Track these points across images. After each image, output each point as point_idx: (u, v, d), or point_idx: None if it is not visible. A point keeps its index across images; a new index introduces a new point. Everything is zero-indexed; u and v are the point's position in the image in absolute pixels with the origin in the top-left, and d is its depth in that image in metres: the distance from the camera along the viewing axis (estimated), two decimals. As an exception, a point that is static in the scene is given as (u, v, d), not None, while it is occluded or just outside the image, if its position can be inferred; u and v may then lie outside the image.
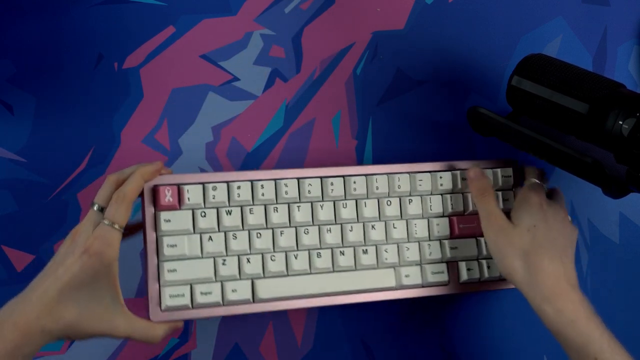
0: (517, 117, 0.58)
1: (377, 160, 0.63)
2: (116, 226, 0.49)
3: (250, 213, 0.55)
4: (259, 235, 0.55)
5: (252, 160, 0.61)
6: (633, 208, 0.66)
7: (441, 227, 0.58)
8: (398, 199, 0.58)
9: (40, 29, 0.60)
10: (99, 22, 0.60)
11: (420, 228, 0.58)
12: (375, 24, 0.64)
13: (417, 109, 0.64)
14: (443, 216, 0.59)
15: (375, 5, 0.65)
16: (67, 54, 0.60)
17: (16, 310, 0.47)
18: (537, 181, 0.57)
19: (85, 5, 0.60)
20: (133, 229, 0.55)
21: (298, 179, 0.56)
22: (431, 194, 0.59)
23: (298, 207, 0.56)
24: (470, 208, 0.59)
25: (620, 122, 0.50)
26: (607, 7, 0.68)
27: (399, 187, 0.58)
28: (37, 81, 0.59)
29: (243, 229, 0.55)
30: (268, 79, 0.62)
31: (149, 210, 0.53)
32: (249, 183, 0.55)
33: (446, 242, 0.58)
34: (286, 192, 0.56)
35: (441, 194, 0.59)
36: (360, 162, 0.63)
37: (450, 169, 0.59)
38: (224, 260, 0.54)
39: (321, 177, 0.57)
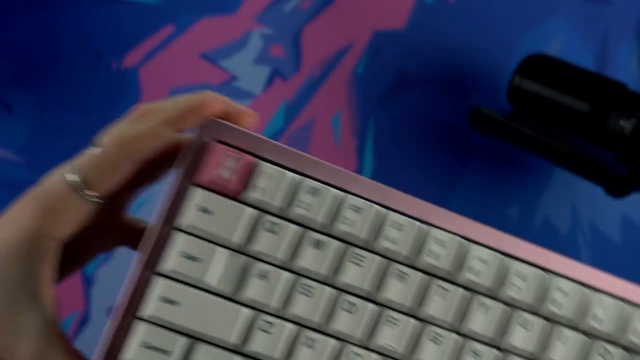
0: (518, 117, 0.57)
1: (377, 161, 0.62)
2: (87, 192, 0.28)
3: (354, 262, 0.29)
4: (352, 308, 0.29)
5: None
6: (635, 208, 0.66)
7: None
8: None
9: (39, 28, 0.60)
10: (98, 21, 0.60)
11: None
12: (375, 23, 0.64)
13: (417, 108, 0.64)
14: None
15: (376, 5, 0.64)
16: (66, 54, 0.60)
17: None
18: None
19: (84, 4, 0.60)
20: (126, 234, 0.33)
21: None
22: None
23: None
24: None
25: (622, 122, 0.50)
26: (609, 6, 0.68)
27: None
28: (36, 81, 0.59)
29: (330, 285, 0.30)
30: (268, 79, 0.62)
31: (179, 180, 0.29)
32: (374, 208, 0.30)
33: None
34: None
35: None
36: (360, 162, 0.62)
37: None
38: (270, 323, 0.29)
39: None
